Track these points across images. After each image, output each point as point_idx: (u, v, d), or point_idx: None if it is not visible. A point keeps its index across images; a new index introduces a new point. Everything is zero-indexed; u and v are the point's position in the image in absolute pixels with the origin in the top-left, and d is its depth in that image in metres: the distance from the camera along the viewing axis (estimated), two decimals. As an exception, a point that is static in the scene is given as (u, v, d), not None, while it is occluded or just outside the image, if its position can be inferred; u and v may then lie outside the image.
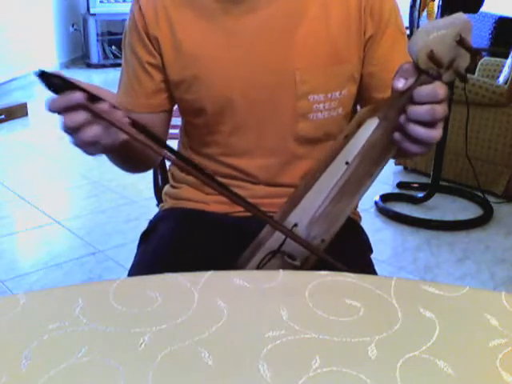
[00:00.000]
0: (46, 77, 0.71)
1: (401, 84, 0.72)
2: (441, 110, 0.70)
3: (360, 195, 0.83)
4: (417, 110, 0.71)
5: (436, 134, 0.72)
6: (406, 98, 0.72)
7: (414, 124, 0.72)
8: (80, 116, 0.72)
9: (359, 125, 0.81)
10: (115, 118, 0.74)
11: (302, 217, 0.84)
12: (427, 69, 0.70)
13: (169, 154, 0.82)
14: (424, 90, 0.70)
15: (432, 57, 0.69)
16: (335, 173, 0.82)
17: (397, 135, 0.75)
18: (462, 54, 0.71)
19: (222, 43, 0.93)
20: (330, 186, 0.82)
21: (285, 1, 0.92)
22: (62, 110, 0.72)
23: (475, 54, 0.72)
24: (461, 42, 0.70)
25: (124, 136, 0.77)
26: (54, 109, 0.72)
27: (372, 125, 0.79)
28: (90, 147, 0.76)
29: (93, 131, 0.73)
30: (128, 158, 0.96)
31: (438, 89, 0.70)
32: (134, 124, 0.78)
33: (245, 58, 0.93)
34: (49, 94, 0.72)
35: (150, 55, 0.97)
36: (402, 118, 0.73)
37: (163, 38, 0.95)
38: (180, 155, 0.86)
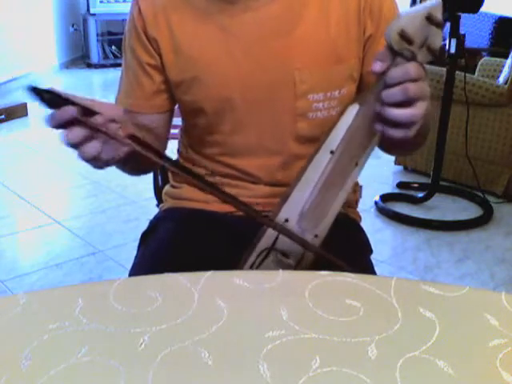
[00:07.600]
0: (37, 92, 0.71)
1: (378, 66, 0.72)
2: (414, 87, 0.70)
3: (348, 185, 0.83)
4: (389, 92, 0.71)
5: (413, 111, 0.72)
6: (384, 81, 0.73)
7: (389, 107, 0.72)
8: (78, 132, 0.73)
9: (342, 113, 0.82)
10: (112, 131, 0.74)
11: (291, 211, 0.83)
12: (401, 49, 0.71)
13: (167, 163, 0.82)
14: (395, 72, 0.71)
15: (403, 35, 0.70)
16: (320, 163, 0.81)
17: (378, 126, 0.74)
18: (434, 32, 0.73)
19: (221, 44, 0.93)
20: (317, 177, 0.82)
21: (284, 1, 0.92)
22: (59, 126, 0.73)
23: (442, 27, 0.73)
24: (430, 18, 0.71)
25: (125, 148, 0.77)
26: (52, 125, 0.73)
27: (353, 111, 0.80)
28: (94, 162, 0.77)
29: (92, 147, 0.74)
30: (133, 166, 0.97)
31: (410, 67, 0.70)
32: (131, 136, 0.78)
33: (244, 58, 0.93)
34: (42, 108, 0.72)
35: (150, 56, 0.97)
36: (379, 105, 0.73)
37: (162, 40, 0.95)
38: (178, 164, 0.86)
